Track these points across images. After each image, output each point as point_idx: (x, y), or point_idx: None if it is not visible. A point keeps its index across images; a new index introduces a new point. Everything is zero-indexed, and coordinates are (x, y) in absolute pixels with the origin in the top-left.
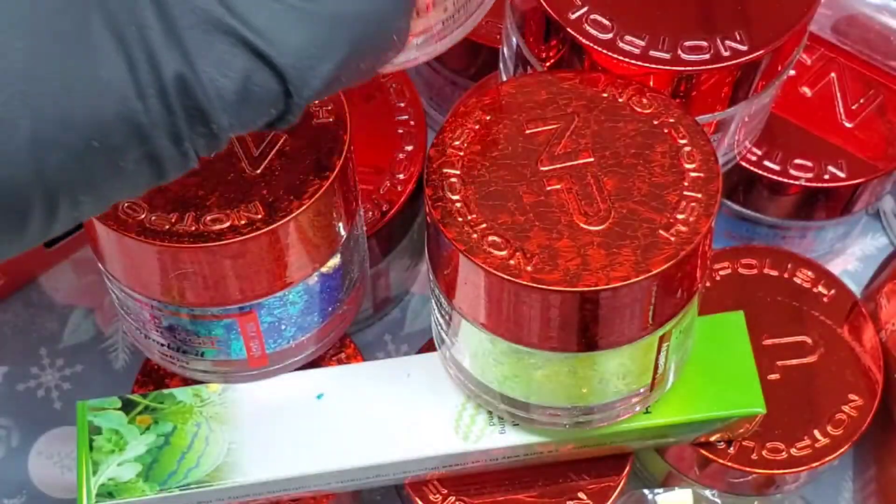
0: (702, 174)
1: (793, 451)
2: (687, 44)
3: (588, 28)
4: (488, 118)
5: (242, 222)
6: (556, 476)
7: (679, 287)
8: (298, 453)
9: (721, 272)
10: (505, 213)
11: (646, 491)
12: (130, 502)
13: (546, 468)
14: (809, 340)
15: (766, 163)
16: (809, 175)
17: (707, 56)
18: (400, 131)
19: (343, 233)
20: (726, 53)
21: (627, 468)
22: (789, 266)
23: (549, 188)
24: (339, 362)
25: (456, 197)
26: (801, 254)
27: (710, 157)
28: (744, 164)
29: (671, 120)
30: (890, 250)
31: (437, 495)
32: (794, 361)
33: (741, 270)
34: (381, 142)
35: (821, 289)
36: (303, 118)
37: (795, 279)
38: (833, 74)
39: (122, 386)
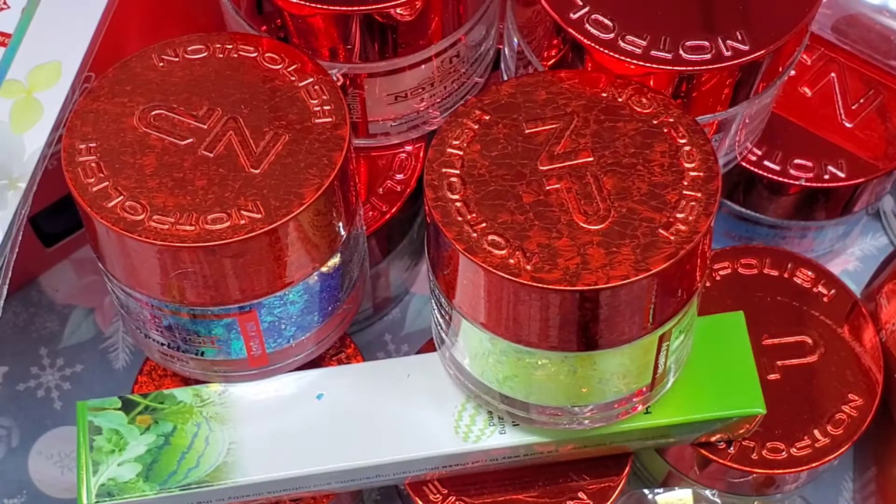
0: (701, 173)
1: (793, 451)
2: (688, 44)
3: (589, 28)
4: (488, 118)
5: (242, 222)
6: (556, 476)
7: (679, 286)
8: (298, 453)
9: (721, 272)
10: (505, 213)
11: (646, 491)
12: (130, 502)
13: (546, 468)
14: (809, 340)
15: (766, 163)
16: (809, 175)
17: (708, 56)
18: None
19: (343, 233)
20: (728, 53)
21: (627, 468)
22: (789, 266)
23: (548, 188)
24: (339, 362)
25: (456, 197)
26: (801, 254)
27: (709, 156)
28: (744, 164)
29: (670, 119)
30: (890, 250)
31: (437, 495)
32: (794, 361)
33: (741, 270)
34: None
35: (821, 289)
36: (303, 118)
37: (795, 279)
38: (833, 74)
39: (122, 386)
